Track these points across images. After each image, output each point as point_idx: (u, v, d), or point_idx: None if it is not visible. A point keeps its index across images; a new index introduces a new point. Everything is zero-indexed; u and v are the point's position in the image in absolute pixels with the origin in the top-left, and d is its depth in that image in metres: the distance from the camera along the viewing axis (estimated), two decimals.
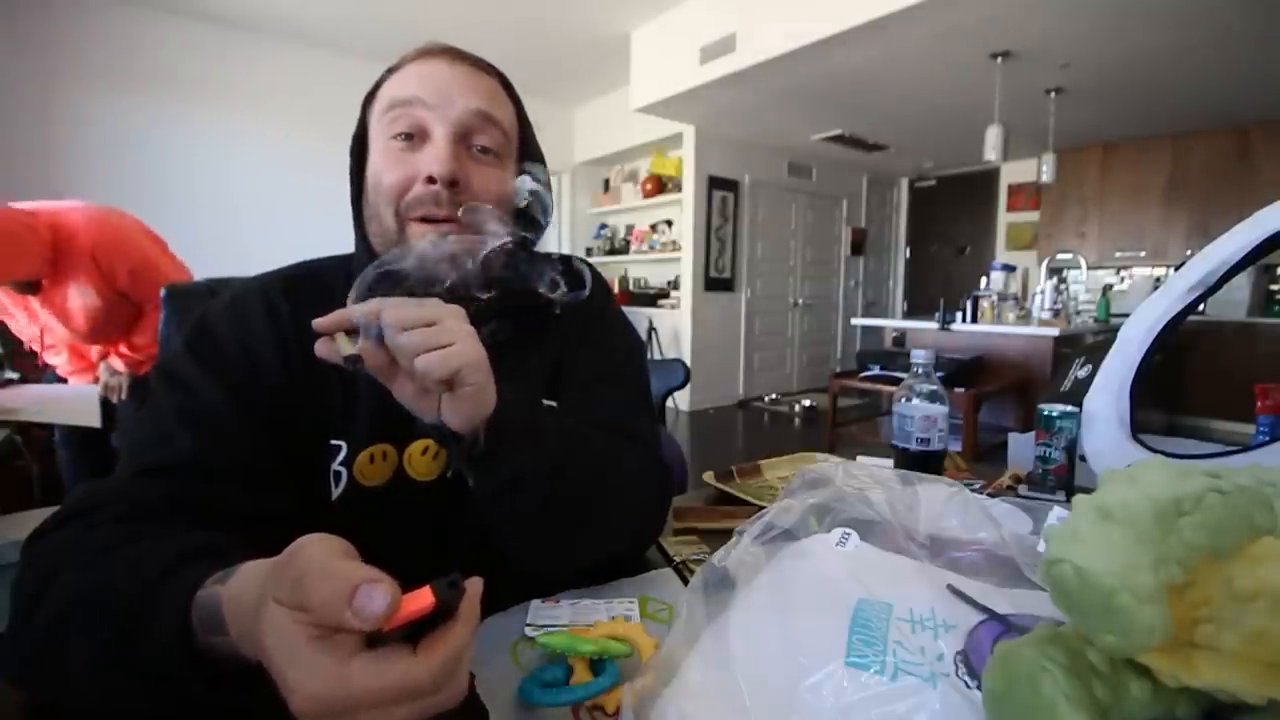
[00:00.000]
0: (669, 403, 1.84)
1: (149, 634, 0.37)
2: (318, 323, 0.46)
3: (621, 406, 0.68)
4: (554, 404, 0.68)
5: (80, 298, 1.82)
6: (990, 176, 6.38)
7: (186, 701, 0.37)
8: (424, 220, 0.59)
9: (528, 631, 0.50)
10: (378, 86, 0.64)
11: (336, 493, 0.60)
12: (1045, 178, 4.29)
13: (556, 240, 6.12)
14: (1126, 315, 0.99)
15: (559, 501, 0.54)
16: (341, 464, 0.60)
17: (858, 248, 6.81)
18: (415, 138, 0.59)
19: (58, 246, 1.74)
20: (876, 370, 3.55)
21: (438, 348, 0.45)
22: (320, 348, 0.47)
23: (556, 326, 0.70)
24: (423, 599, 0.30)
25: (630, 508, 0.62)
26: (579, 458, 0.56)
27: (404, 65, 0.63)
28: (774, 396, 5.83)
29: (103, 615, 0.40)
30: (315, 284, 0.64)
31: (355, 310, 0.46)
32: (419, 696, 0.29)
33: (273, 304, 0.62)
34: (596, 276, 0.78)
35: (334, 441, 0.60)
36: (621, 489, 0.60)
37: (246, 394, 0.56)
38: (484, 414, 0.49)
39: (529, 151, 0.68)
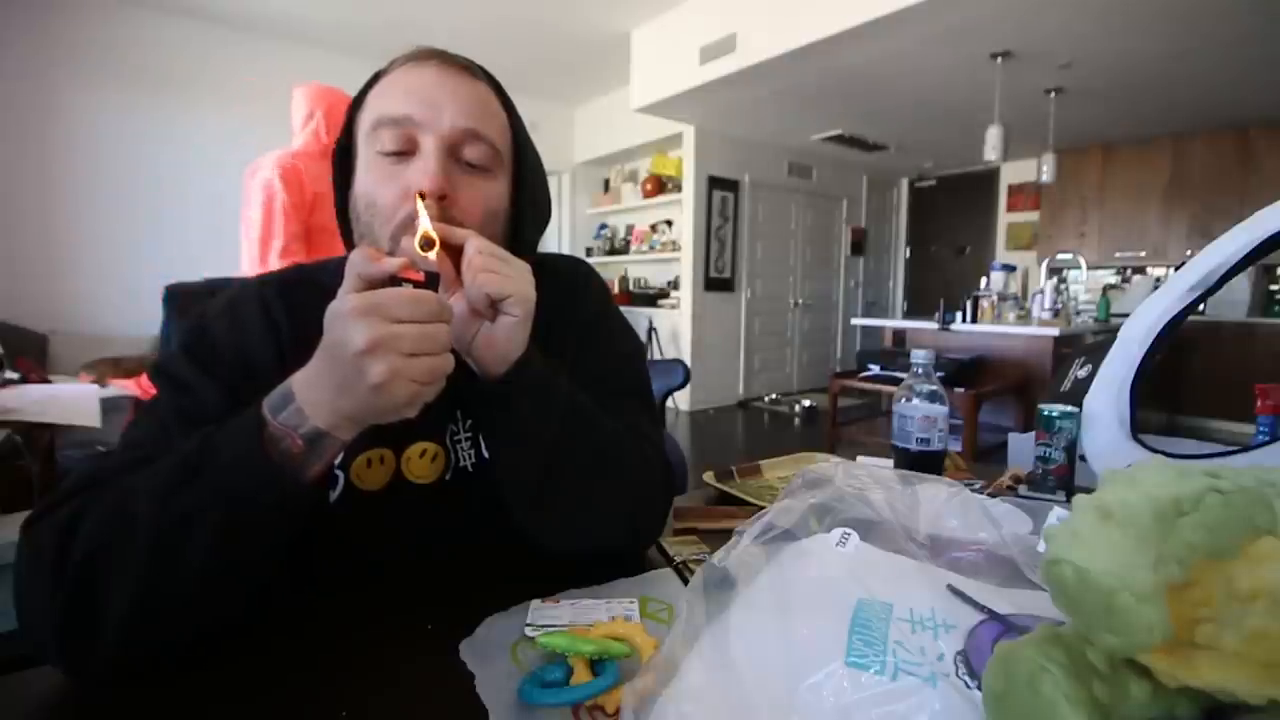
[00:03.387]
0: (669, 403, 1.84)
1: (225, 435, 0.46)
2: (426, 227, 0.54)
3: (624, 409, 0.68)
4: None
5: None
6: (990, 176, 6.38)
7: (252, 514, 0.45)
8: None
9: (528, 631, 0.50)
10: (365, 92, 0.63)
11: (333, 495, 0.60)
12: (1045, 178, 4.29)
13: (556, 240, 6.12)
14: (1126, 315, 0.99)
15: (565, 461, 0.57)
16: (339, 467, 0.60)
17: (858, 248, 6.81)
18: (404, 152, 0.58)
19: None
20: (876, 370, 3.55)
21: (501, 275, 0.53)
22: (405, 243, 0.55)
23: (550, 323, 0.69)
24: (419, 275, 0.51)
25: (634, 487, 0.62)
26: (589, 425, 0.59)
27: (392, 71, 0.61)
28: (774, 396, 5.83)
29: (162, 470, 0.46)
30: (311, 287, 0.64)
31: (456, 230, 0.54)
32: (422, 302, 0.45)
33: (269, 307, 0.62)
34: (596, 279, 0.78)
35: None
36: (625, 467, 0.61)
37: (242, 397, 0.56)
38: (513, 355, 0.54)
39: (523, 157, 0.66)
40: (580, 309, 0.73)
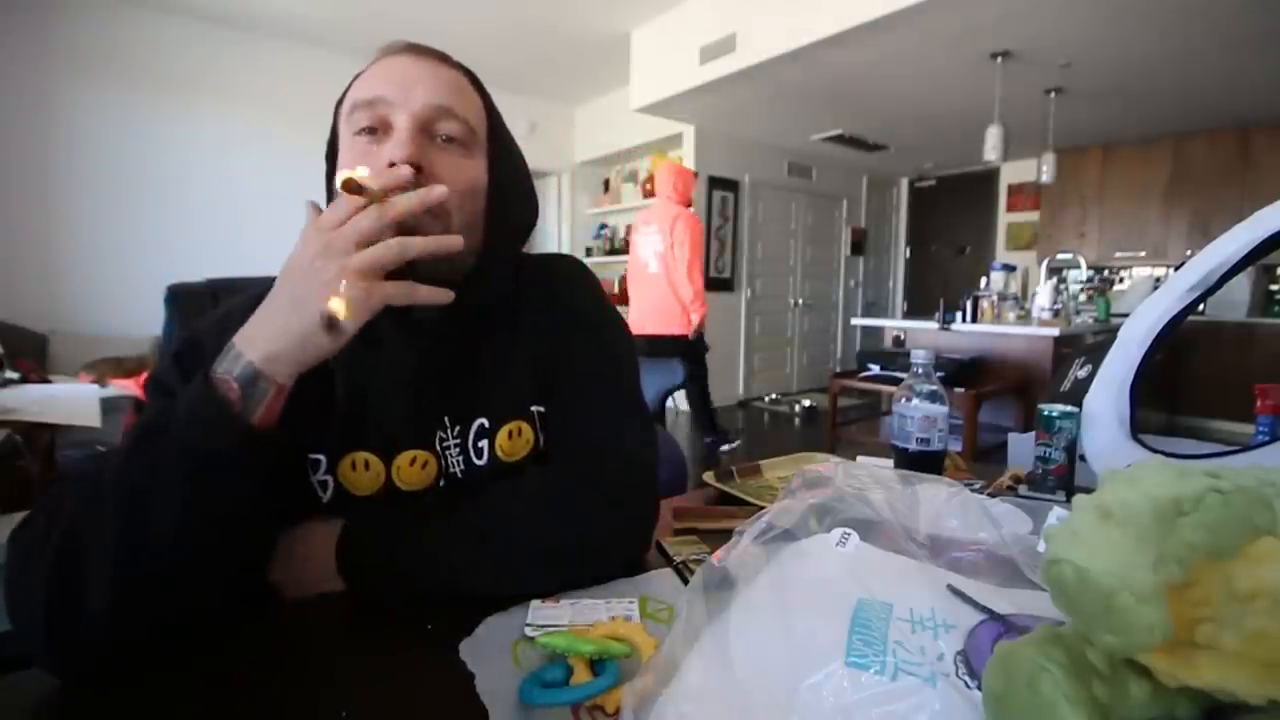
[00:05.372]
0: (669, 403, 1.84)
1: (181, 396, 0.49)
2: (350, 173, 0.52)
3: (606, 412, 0.67)
4: (542, 409, 0.68)
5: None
6: (990, 176, 6.38)
7: (205, 463, 0.46)
8: None
9: (528, 631, 0.50)
10: (346, 91, 0.63)
11: (325, 498, 0.61)
12: (1045, 178, 4.29)
13: (556, 240, 6.12)
14: (1126, 315, 0.99)
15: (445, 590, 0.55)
16: (325, 473, 0.61)
17: (858, 248, 6.81)
18: (379, 131, 0.59)
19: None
20: (876, 370, 3.55)
21: None
22: None
23: (541, 325, 0.69)
24: None
25: (561, 561, 0.58)
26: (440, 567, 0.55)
27: (369, 67, 0.62)
28: (774, 396, 5.83)
29: (127, 439, 0.48)
30: None
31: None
32: (345, 203, 0.50)
33: None
34: (589, 277, 0.77)
35: (314, 456, 0.61)
36: (530, 560, 0.57)
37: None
38: (325, 584, 0.56)
39: (500, 145, 0.66)
40: (570, 306, 0.72)
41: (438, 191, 0.51)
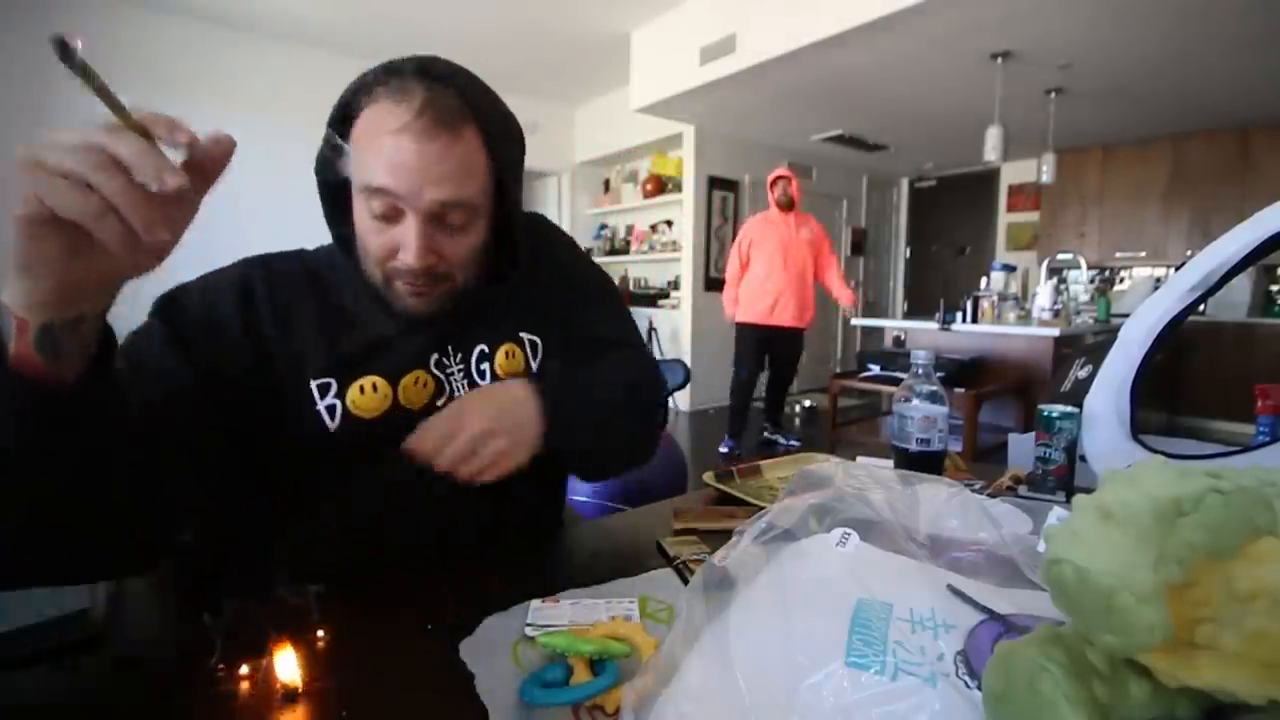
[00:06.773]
0: (669, 402, 1.84)
1: None
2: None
3: (616, 325, 0.83)
4: (536, 337, 0.77)
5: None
6: (990, 177, 6.37)
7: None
8: (407, 284, 0.64)
9: (528, 631, 0.50)
10: (350, 104, 0.62)
11: (334, 425, 0.64)
12: (1045, 178, 4.29)
13: None
14: (1126, 315, 0.99)
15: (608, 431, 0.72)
16: (335, 397, 0.65)
17: (858, 248, 6.80)
18: (391, 217, 0.61)
19: None
20: (876, 370, 3.55)
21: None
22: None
23: (539, 282, 0.77)
24: None
25: (651, 409, 0.79)
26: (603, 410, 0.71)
27: (376, 102, 0.60)
28: None
29: None
30: (295, 267, 0.70)
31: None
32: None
33: (248, 280, 0.66)
34: (559, 231, 0.89)
35: (322, 381, 0.64)
36: (636, 399, 0.76)
37: (203, 357, 0.60)
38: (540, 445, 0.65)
39: (508, 193, 0.67)
40: (554, 256, 0.82)
41: (174, 184, 0.37)
